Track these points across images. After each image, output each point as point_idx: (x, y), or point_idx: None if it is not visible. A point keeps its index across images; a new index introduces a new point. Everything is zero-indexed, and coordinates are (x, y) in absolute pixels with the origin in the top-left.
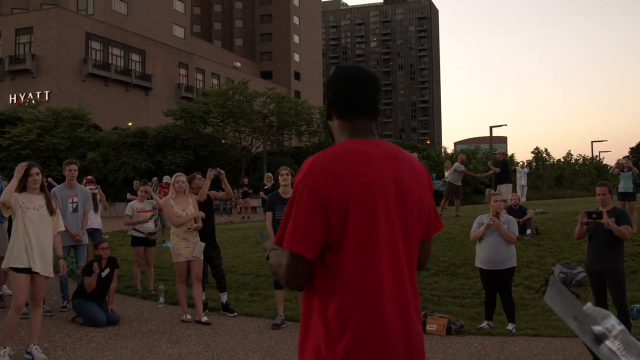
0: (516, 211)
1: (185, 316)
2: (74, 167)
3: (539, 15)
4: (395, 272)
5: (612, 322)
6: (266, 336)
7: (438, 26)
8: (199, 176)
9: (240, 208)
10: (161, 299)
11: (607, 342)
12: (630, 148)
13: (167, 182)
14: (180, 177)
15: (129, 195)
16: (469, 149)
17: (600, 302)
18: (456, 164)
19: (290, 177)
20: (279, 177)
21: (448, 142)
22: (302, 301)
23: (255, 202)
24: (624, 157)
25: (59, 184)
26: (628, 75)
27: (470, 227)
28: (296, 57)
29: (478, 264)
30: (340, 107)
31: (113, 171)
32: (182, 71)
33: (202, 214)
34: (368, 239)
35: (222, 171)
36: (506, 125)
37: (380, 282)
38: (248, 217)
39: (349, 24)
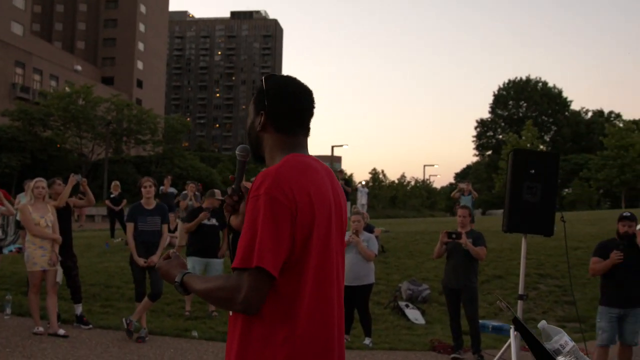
0: (364, 229)
1: (38, 328)
2: None
3: (379, 40)
4: (338, 291)
5: (565, 339)
6: (127, 350)
7: (282, 45)
8: (58, 182)
9: (78, 216)
10: (8, 310)
11: (560, 358)
12: (455, 173)
13: None
14: (41, 182)
15: None
16: None
17: (455, 317)
18: None
19: (153, 188)
20: (142, 189)
21: None
22: (230, 326)
23: (95, 210)
24: (464, 182)
25: None
26: (457, 104)
27: None
28: (139, 65)
29: None
30: (283, 120)
31: None
32: (19, 70)
33: (59, 238)
34: (325, 258)
35: (85, 178)
36: (347, 145)
37: (332, 305)
38: (81, 225)
39: (194, 36)
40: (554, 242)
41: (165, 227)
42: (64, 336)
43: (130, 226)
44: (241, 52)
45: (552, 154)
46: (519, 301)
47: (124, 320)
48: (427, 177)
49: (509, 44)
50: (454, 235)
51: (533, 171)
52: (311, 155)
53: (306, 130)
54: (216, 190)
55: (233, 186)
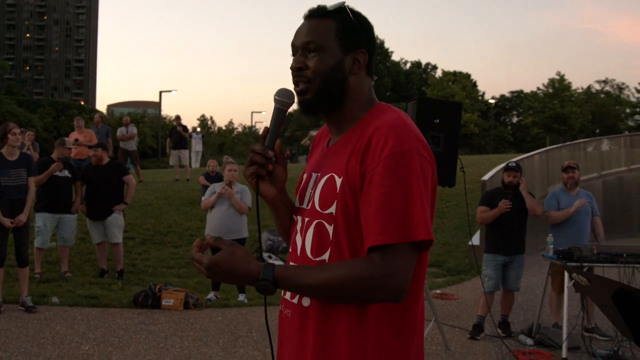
0: (213, 177)
1: None
2: None
3: None
4: None
5: None
6: None
7: None
8: None
9: None
10: None
11: None
12: None
13: None
14: None
15: None
16: (137, 112)
17: None
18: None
19: (20, 137)
20: (10, 136)
21: (103, 104)
22: (297, 319)
23: None
24: (316, 129)
25: None
26: (283, 51)
27: (161, 192)
28: None
29: (208, 232)
30: (373, 61)
31: None
32: None
33: None
34: None
35: None
36: (176, 91)
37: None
38: None
39: None
40: None
41: (31, 180)
42: None
43: None
44: None
45: (455, 103)
46: None
47: (20, 304)
48: (253, 123)
49: None
50: None
51: (438, 121)
52: None
53: None
54: (66, 139)
55: (265, 142)
